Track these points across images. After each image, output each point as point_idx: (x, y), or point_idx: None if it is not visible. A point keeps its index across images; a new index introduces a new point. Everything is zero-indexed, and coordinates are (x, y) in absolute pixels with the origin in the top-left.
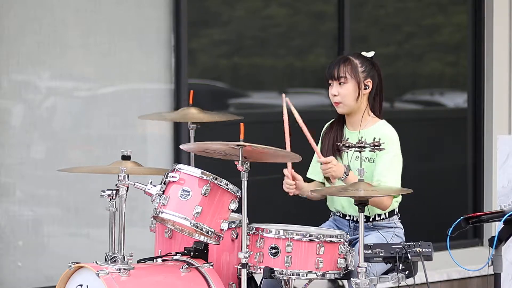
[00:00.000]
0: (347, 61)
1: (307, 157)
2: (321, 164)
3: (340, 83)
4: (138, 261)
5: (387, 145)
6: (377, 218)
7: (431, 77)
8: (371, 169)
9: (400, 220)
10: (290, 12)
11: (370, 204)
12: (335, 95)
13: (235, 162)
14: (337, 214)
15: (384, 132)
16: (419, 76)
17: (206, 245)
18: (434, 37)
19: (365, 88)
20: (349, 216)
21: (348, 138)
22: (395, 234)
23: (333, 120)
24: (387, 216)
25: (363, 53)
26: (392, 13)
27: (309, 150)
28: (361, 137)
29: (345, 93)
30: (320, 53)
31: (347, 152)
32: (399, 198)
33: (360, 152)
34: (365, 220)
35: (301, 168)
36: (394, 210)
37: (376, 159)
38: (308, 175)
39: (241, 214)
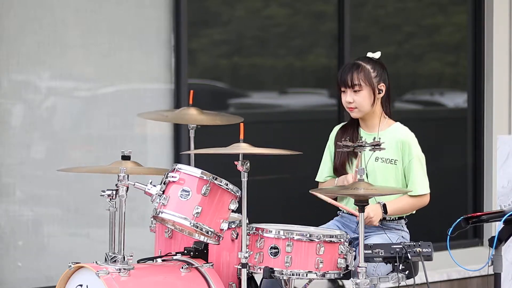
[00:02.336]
0: (359, 68)
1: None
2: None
3: (354, 91)
4: (138, 261)
5: (412, 150)
6: (387, 218)
7: (431, 77)
8: (393, 171)
9: (406, 225)
10: (290, 12)
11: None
12: (350, 102)
13: (235, 162)
14: (346, 212)
15: (405, 135)
16: (419, 76)
17: (206, 245)
18: (434, 37)
19: (379, 93)
20: None
21: (362, 138)
22: (402, 236)
23: (343, 123)
24: (396, 218)
25: (370, 54)
26: (392, 13)
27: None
28: (379, 138)
29: (360, 100)
30: (320, 53)
31: (363, 152)
32: None
33: (361, 152)
34: None
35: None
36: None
37: (408, 168)
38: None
39: (241, 214)
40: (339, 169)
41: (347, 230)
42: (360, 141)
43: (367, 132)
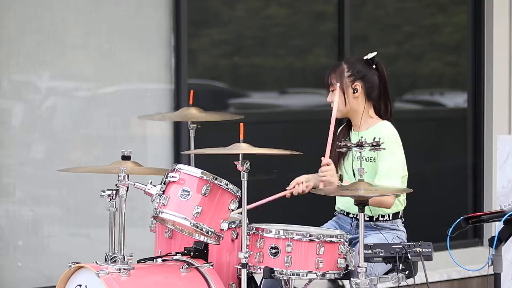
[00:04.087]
0: (335, 68)
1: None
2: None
3: (331, 90)
4: (138, 261)
5: (387, 146)
6: (380, 219)
7: (431, 77)
8: (373, 169)
9: (403, 224)
10: (290, 12)
11: (371, 205)
12: (330, 102)
13: (235, 162)
14: (340, 212)
15: (384, 133)
16: (419, 76)
17: (206, 245)
18: (434, 37)
19: (354, 92)
20: (353, 214)
21: (348, 139)
22: (397, 236)
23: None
24: (390, 218)
25: (368, 56)
26: (392, 13)
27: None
28: (361, 137)
29: (335, 99)
30: (320, 53)
31: (351, 152)
32: (404, 201)
33: (360, 152)
34: (367, 219)
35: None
36: (398, 213)
37: (377, 160)
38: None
39: (241, 214)
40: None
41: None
42: (360, 140)
43: (354, 132)
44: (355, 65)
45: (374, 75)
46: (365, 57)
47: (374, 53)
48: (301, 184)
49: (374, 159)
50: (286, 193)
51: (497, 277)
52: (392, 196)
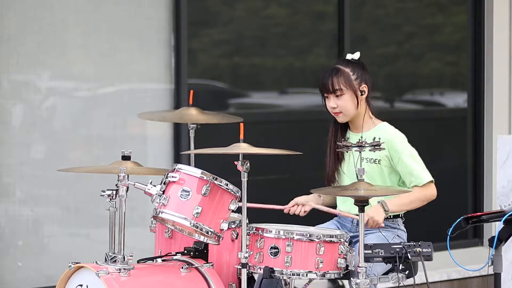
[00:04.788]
0: (339, 72)
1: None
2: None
3: (336, 96)
4: (138, 261)
5: (398, 147)
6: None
7: (431, 77)
8: (377, 170)
9: (404, 224)
10: (290, 12)
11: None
12: (334, 107)
13: (235, 162)
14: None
15: (389, 134)
16: (419, 76)
17: (206, 245)
18: (434, 37)
19: (361, 94)
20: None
21: (348, 139)
22: (397, 235)
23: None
24: (391, 217)
25: (349, 56)
26: (392, 13)
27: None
28: (361, 137)
29: (344, 104)
30: (320, 53)
31: (347, 153)
32: None
33: (360, 152)
34: None
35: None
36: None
37: (398, 166)
38: None
39: (241, 214)
40: (330, 173)
41: (343, 230)
42: (360, 140)
43: (353, 133)
44: (355, 68)
45: (367, 76)
46: (349, 57)
47: (358, 54)
48: (299, 206)
49: (378, 161)
50: (284, 208)
51: (497, 277)
52: (428, 187)
